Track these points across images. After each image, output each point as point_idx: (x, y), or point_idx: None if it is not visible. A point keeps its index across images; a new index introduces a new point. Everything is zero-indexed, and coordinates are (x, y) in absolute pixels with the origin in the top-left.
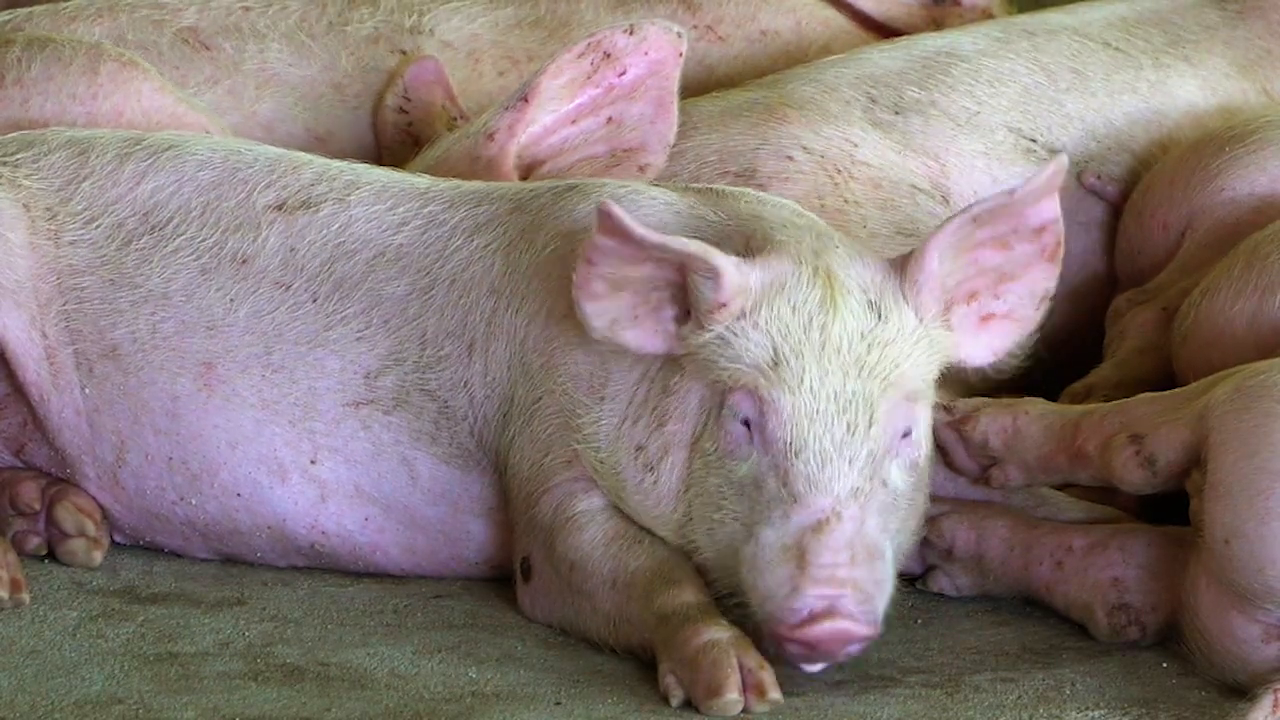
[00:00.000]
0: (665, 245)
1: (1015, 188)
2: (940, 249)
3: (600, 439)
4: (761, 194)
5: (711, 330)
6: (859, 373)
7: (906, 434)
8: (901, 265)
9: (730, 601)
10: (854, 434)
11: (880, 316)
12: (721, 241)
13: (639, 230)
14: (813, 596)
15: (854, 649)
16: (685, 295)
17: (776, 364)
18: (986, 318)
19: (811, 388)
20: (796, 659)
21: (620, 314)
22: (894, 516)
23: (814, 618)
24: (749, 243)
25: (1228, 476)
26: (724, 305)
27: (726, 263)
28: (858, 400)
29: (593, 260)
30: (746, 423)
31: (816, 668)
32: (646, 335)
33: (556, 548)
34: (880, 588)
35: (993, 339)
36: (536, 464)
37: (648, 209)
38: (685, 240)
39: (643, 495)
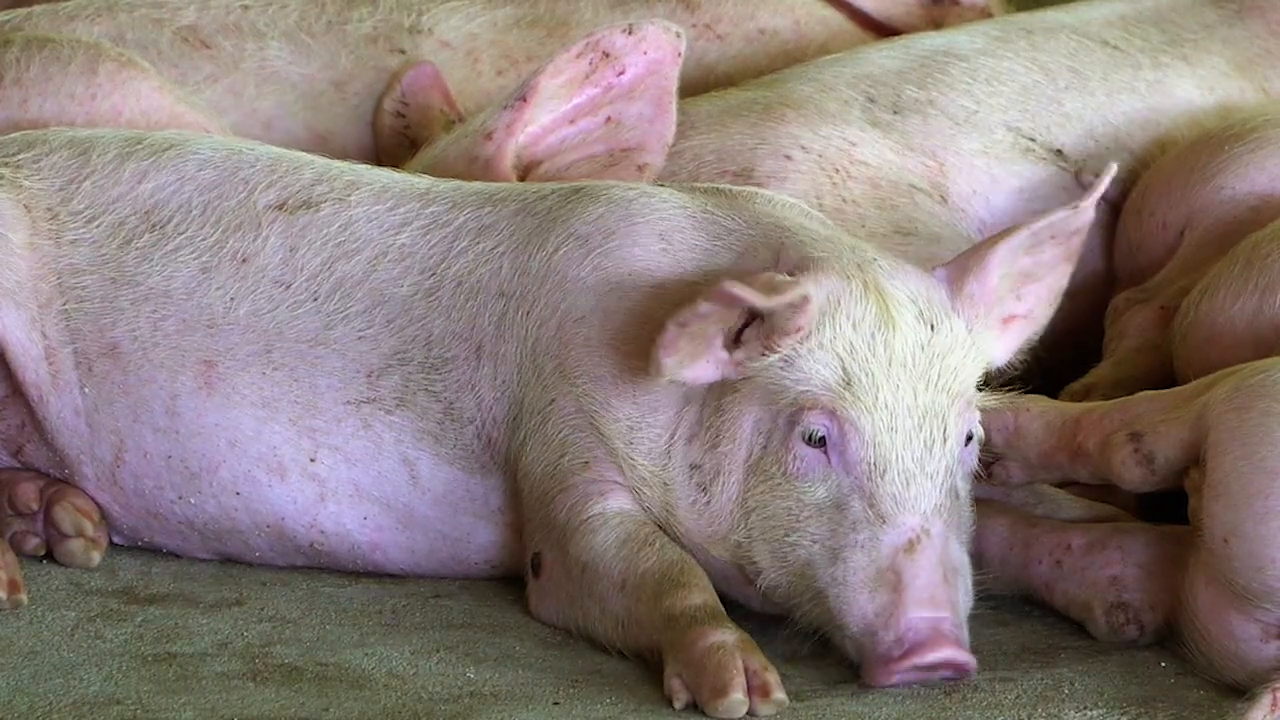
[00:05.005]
0: (787, 303)
1: (1077, 204)
2: (1002, 263)
3: (647, 451)
4: (770, 194)
5: (776, 353)
6: (926, 386)
7: (968, 440)
8: (955, 276)
9: (800, 624)
10: (931, 449)
11: (932, 328)
12: (746, 252)
13: (761, 300)
14: (915, 619)
15: (950, 675)
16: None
17: (849, 383)
18: (1008, 319)
19: (886, 404)
20: (896, 683)
21: (684, 355)
22: (964, 529)
23: (920, 644)
24: (779, 255)
25: (1227, 475)
26: (800, 329)
27: (818, 291)
28: (930, 415)
29: (687, 324)
30: (821, 443)
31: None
32: (702, 367)
33: (570, 549)
34: (965, 608)
35: (1009, 339)
36: (552, 465)
37: (660, 212)
38: (793, 287)
39: (696, 514)
